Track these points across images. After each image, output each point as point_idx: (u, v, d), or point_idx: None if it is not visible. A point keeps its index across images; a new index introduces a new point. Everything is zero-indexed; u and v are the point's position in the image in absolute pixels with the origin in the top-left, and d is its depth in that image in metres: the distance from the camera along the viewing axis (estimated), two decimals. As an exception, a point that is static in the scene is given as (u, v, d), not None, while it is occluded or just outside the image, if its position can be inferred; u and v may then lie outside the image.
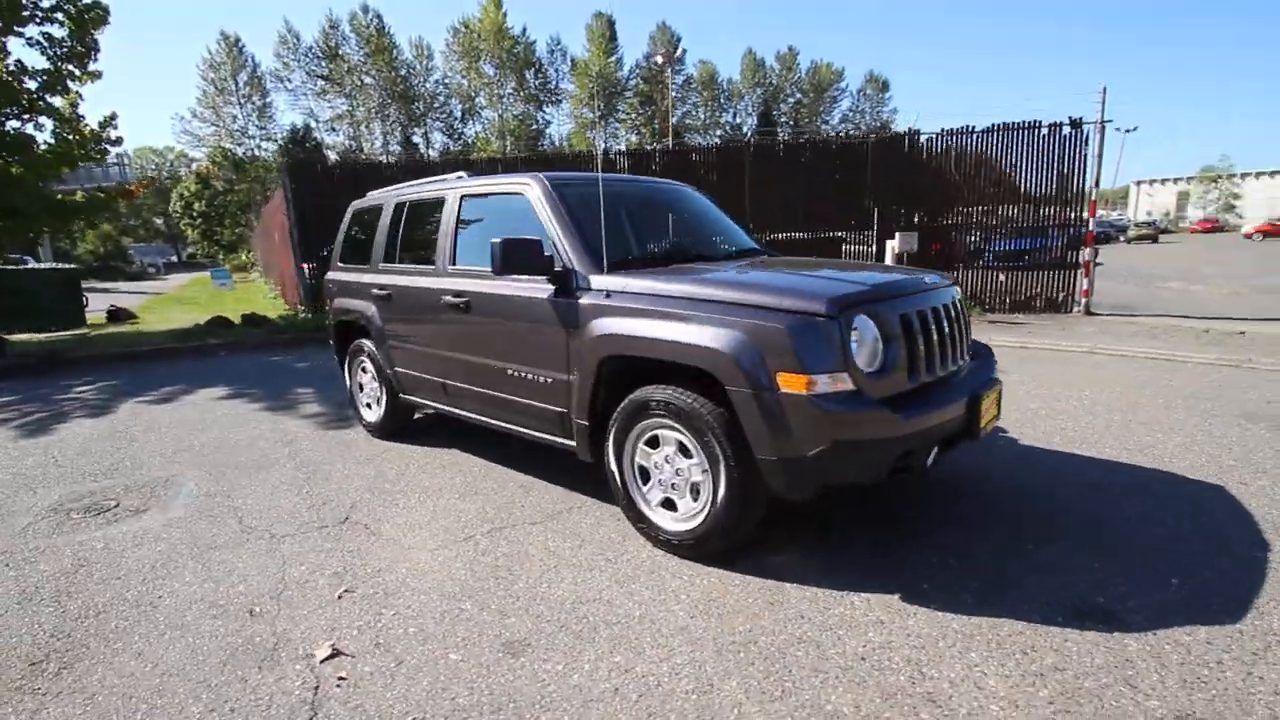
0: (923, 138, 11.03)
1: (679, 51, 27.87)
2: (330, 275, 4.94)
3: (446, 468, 3.96)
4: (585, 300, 2.87)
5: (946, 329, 2.68)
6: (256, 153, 45.12)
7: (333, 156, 42.49)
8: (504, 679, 2.02)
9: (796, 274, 2.91)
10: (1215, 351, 6.49)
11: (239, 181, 41.79)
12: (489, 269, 3.39)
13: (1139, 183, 64.94)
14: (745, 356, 2.31)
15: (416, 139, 49.28)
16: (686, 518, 2.66)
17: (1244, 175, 54.53)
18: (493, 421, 3.58)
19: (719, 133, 57.83)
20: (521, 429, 3.39)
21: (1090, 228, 10.37)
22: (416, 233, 4.08)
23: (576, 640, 2.20)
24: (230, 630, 2.36)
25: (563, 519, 3.17)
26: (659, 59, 28.44)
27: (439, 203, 3.87)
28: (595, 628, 2.27)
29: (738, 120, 59.59)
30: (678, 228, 3.56)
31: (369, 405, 4.71)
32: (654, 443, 2.75)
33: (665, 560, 2.70)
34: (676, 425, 2.59)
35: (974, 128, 10.68)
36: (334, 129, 48.27)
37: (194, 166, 47.27)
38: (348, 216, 4.89)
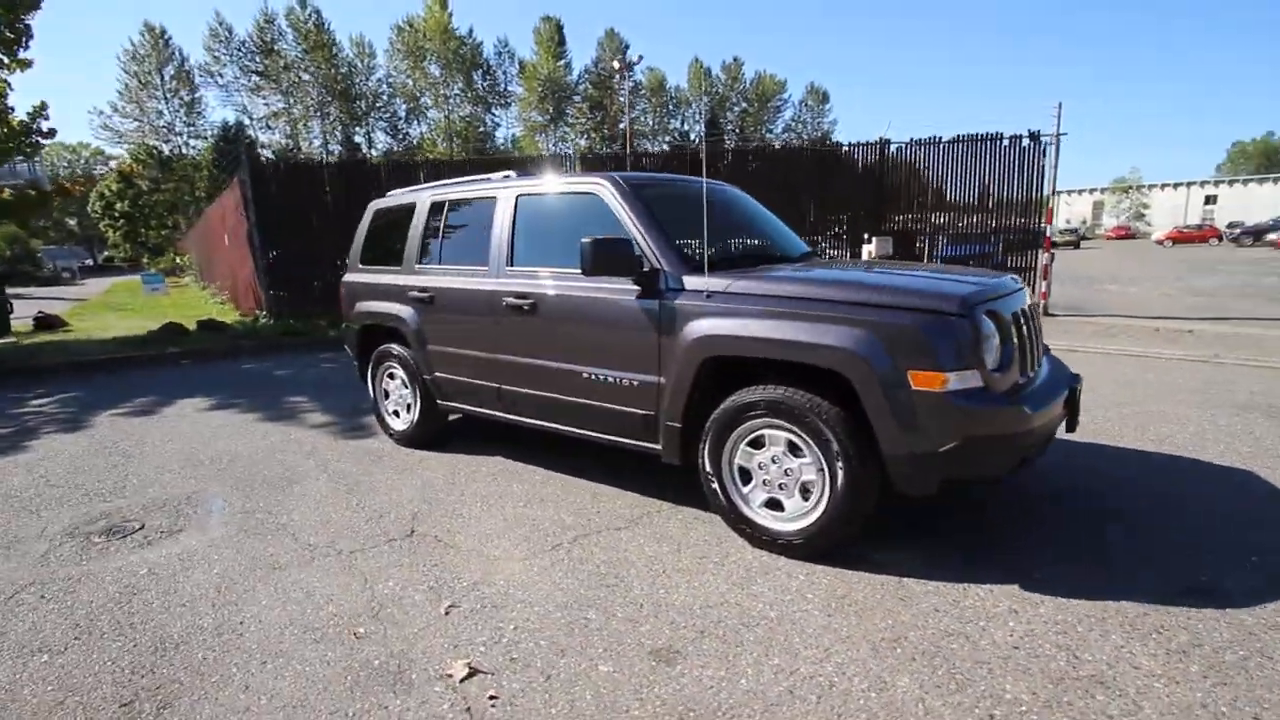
0: (892, 147, 11.47)
1: (639, 59, 28.04)
2: (349, 278, 4.71)
3: (499, 476, 3.83)
4: (682, 301, 2.84)
5: (1035, 327, 2.79)
6: (184, 150, 42.53)
7: (267, 155, 40.48)
8: (670, 688, 1.96)
9: (909, 274, 2.96)
10: (1180, 348, 7.01)
11: (165, 180, 39.26)
12: (559, 269, 3.34)
13: (1058, 192, 69.51)
14: (877, 355, 2.34)
15: (359, 139, 47.61)
16: (795, 517, 2.66)
17: (1151, 186, 59.24)
18: (557, 426, 3.48)
19: (667, 139, 58.50)
20: (594, 433, 3.31)
21: (1048, 233, 11.04)
22: (463, 233, 3.94)
23: (724, 645, 2.16)
24: (340, 655, 2.20)
25: (647, 524, 3.11)
26: (615, 64, 28.42)
27: (489, 202, 3.74)
28: (736, 631, 2.23)
29: (686, 127, 60.47)
30: (743, 228, 3.57)
31: (395, 413, 4.50)
32: (757, 443, 2.74)
33: (772, 560, 2.69)
34: (788, 425, 2.59)
35: (940, 138, 11.19)
36: (270, 127, 46.06)
37: (113, 164, 44.09)
38: (368, 216, 4.67)
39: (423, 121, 50.29)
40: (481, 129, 50.75)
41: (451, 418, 4.38)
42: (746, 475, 2.80)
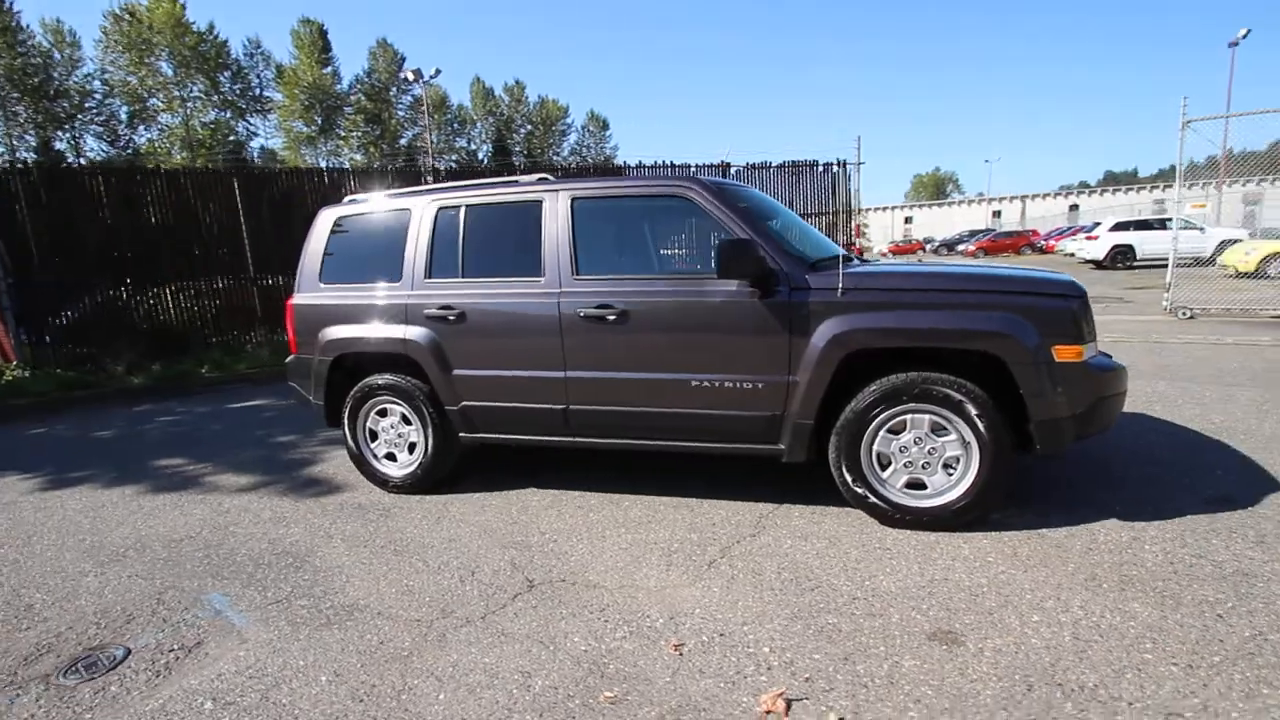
0: (732, 170, 12.61)
1: (436, 72, 26.44)
2: (304, 300, 3.87)
3: (571, 506, 3.45)
4: (814, 300, 2.89)
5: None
6: None
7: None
8: (985, 662, 2.01)
9: (1013, 268, 3.32)
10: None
11: None
12: (652, 275, 3.17)
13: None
14: (1028, 335, 2.65)
15: (60, 144, 38.13)
16: (939, 493, 2.87)
17: (868, 210, 72.75)
18: (647, 442, 3.27)
19: (454, 158, 56.62)
20: (699, 443, 3.19)
21: (856, 243, 13.03)
22: (495, 241, 3.49)
23: (978, 615, 2.26)
24: (616, 726, 1.86)
25: (776, 526, 3.08)
26: (409, 75, 26.65)
27: (529, 207, 3.40)
28: (974, 600, 2.35)
29: (473, 146, 59.18)
30: (799, 231, 3.70)
31: (389, 456, 3.80)
32: (896, 429, 2.90)
33: (930, 538, 2.85)
34: (933, 407, 2.79)
35: (770, 163, 12.60)
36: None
37: None
38: (323, 225, 3.89)
39: (152, 126, 42.02)
40: (232, 137, 44.00)
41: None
42: (884, 461, 2.94)
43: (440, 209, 3.58)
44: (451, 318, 3.44)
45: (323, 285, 3.84)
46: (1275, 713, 1.75)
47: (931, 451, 2.86)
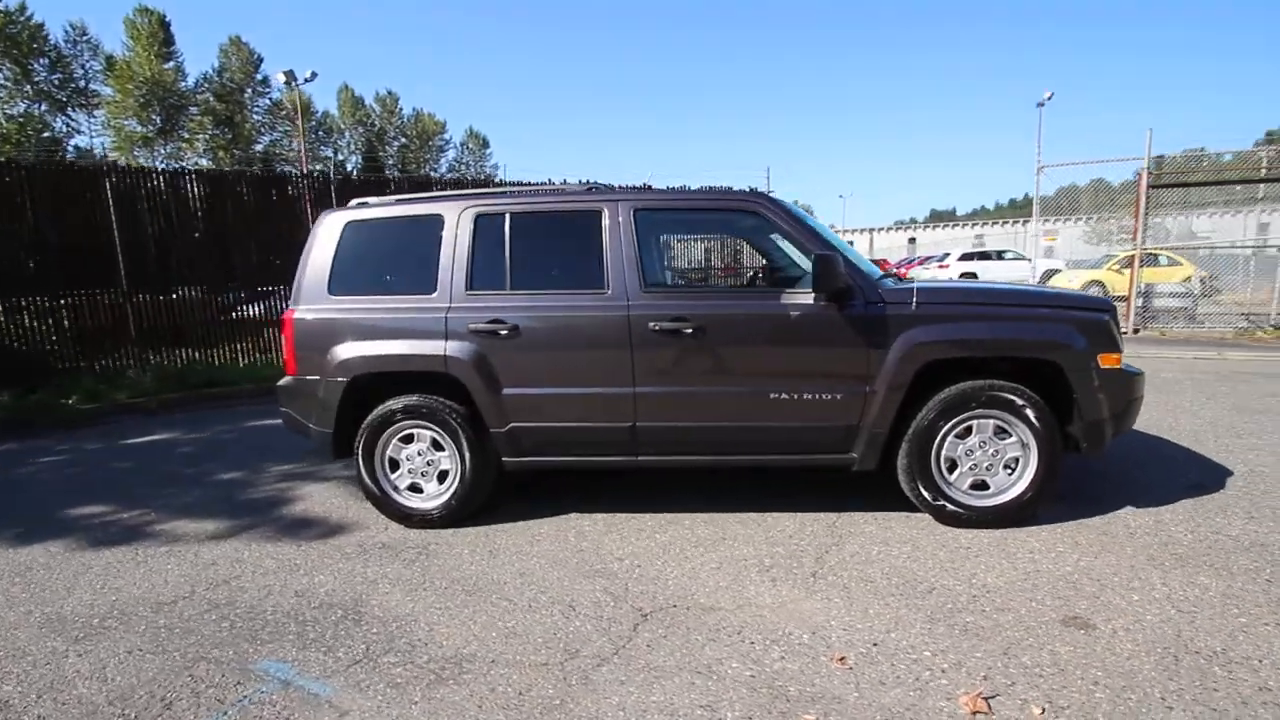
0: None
1: (312, 75, 24.26)
2: (309, 313, 3.41)
3: (629, 529, 3.29)
4: (891, 312, 3.02)
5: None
6: None
7: None
8: (1128, 640, 2.18)
9: (1041, 287, 3.64)
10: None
11: None
12: (728, 288, 3.14)
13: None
14: (1080, 344, 2.95)
15: None
16: (1001, 492, 3.09)
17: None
18: (717, 458, 3.23)
19: (319, 167, 52.76)
20: (772, 455, 3.19)
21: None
22: (547, 252, 3.30)
23: (1092, 600, 2.45)
24: (838, 748, 1.79)
25: (853, 534, 3.13)
26: (281, 76, 24.32)
27: (586, 216, 3.26)
28: (1077, 587, 2.54)
29: (341, 157, 55.48)
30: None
31: (414, 488, 3.42)
32: (962, 434, 3.09)
33: (995, 535, 3.04)
34: (997, 411, 3.02)
35: (689, 187, 13.04)
36: None
37: None
38: (334, 232, 3.46)
39: (-66, 115, 35.06)
40: (47, 133, 37.84)
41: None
42: (951, 464, 3.12)
43: (479, 216, 3.33)
44: (503, 332, 3.19)
45: (333, 297, 3.40)
46: (1370, 658, 2.07)
47: (995, 454, 3.08)
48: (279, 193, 9.41)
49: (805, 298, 3.05)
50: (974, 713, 1.90)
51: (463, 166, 63.57)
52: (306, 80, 24.49)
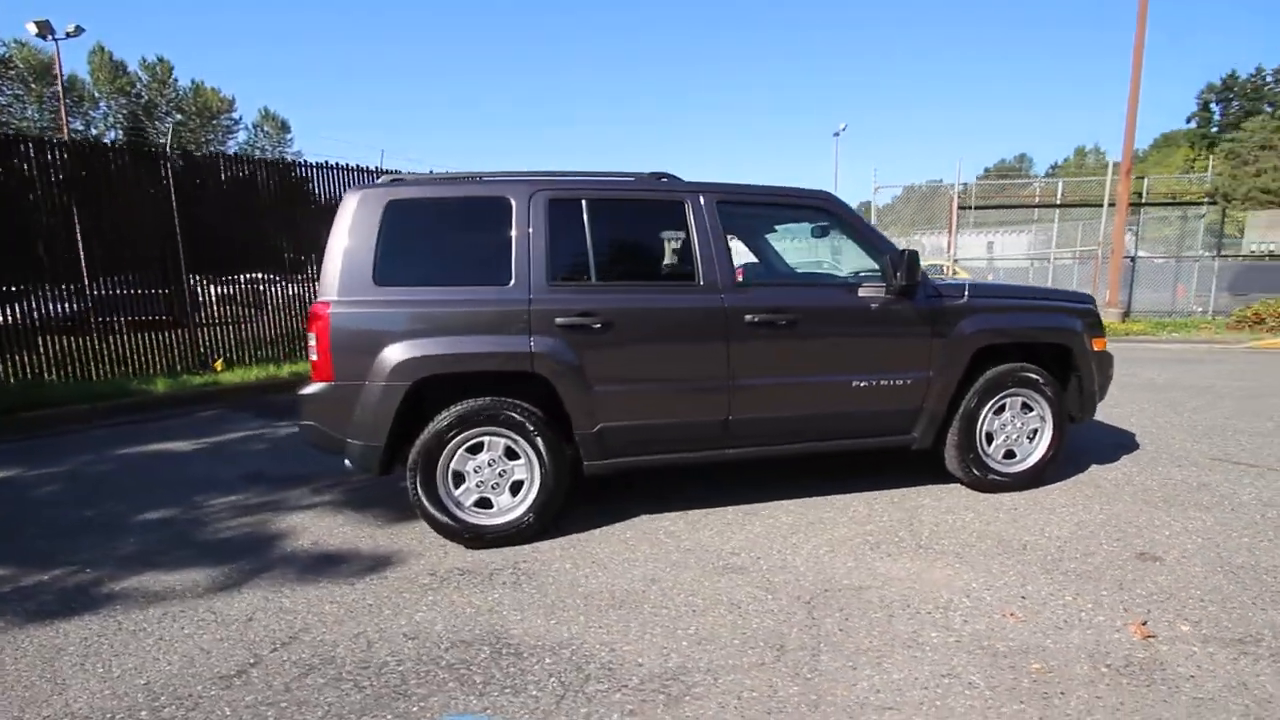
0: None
1: (73, 29, 19.20)
2: (354, 306, 2.88)
3: (716, 523, 3.25)
4: (948, 304, 3.36)
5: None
6: None
7: None
8: (1199, 569, 2.68)
9: (1044, 286, 4.17)
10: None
11: None
12: (816, 280, 3.27)
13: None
14: (1080, 329, 3.54)
15: None
16: (1027, 457, 3.59)
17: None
18: (799, 446, 3.32)
19: (58, 137, 43.11)
20: (847, 440, 3.37)
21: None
22: (635, 241, 3.16)
23: (1147, 536, 2.97)
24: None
25: (925, 507, 3.42)
26: (32, 27, 19.05)
27: (670, 206, 3.18)
28: (1128, 529, 3.05)
29: (95, 131, 45.78)
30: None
31: (481, 503, 3.05)
32: (998, 410, 3.53)
33: (1025, 496, 3.52)
34: (1026, 390, 3.50)
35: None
36: None
37: None
38: (369, 213, 2.96)
39: None
40: None
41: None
42: (989, 438, 3.55)
43: (553, 201, 3.07)
44: (595, 326, 2.98)
45: (382, 288, 2.91)
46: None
47: (1021, 426, 3.57)
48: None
49: (880, 291, 3.28)
50: (1146, 637, 2.24)
51: (258, 149, 56.01)
52: (69, 35, 19.76)
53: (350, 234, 2.93)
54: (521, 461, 3.05)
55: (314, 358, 2.94)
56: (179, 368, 7.89)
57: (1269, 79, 49.94)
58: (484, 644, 2.30)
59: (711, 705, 1.95)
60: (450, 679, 2.11)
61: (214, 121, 53.90)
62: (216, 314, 8.81)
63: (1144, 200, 16.56)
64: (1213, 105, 53.20)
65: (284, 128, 58.78)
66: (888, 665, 2.12)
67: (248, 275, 8.90)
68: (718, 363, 3.13)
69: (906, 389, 3.37)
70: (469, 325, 2.93)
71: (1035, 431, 3.61)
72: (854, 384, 3.29)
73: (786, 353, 3.22)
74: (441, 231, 3.06)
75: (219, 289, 8.90)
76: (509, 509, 3.06)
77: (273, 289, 9.02)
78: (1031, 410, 3.59)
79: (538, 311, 2.96)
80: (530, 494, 3.06)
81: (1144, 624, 2.30)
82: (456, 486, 3.02)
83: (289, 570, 2.92)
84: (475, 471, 3.03)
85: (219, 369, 8.03)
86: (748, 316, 3.12)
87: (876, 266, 3.36)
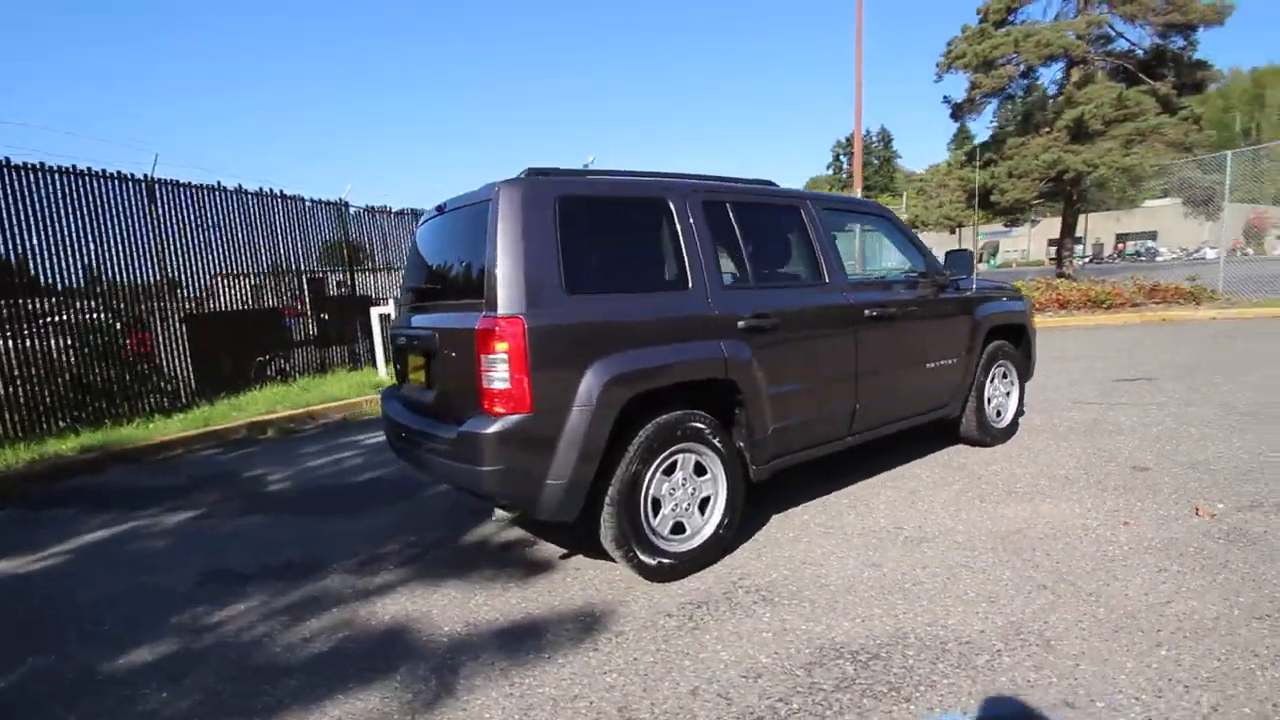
0: (351, 210, 10.97)
1: None
2: (552, 318, 2.42)
3: (822, 520, 3.41)
4: (971, 294, 4.08)
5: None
6: None
7: None
8: (1182, 472, 3.73)
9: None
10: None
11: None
12: (889, 277, 3.70)
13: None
14: (1027, 312, 4.59)
15: None
16: (1001, 419, 4.50)
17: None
18: (883, 429, 3.68)
19: None
20: (908, 419, 3.83)
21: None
22: (772, 243, 3.22)
23: (1126, 457, 3.98)
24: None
25: (959, 469, 4.03)
26: None
27: (790, 209, 3.35)
28: (1115, 457, 4.05)
29: None
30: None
31: (678, 528, 2.78)
32: (993, 379, 4.38)
33: (1009, 446, 4.41)
34: (1007, 363, 4.42)
35: (390, 208, 11.59)
36: None
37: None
38: (541, 211, 2.52)
39: None
40: None
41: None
42: (988, 402, 4.38)
43: (707, 204, 2.98)
44: (769, 327, 2.97)
45: (576, 297, 2.48)
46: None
47: (1002, 390, 4.49)
48: None
49: (931, 285, 3.86)
50: (1210, 516, 3.10)
51: None
52: None
53: (525, 235, 2.46)
54: (708, 476, 2.87)
55: (494, 386, 2.38)
56: None
57: (874, 140, 68.24)
58: (836, 658, 2.17)
59: (1073, 644, 2.18)
60: (858, 699, 1.97)
61: None
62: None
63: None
64: (842, 157, 70.02)
65: None
66: (1124, 573, 2.59)
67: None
68: (850, 356, 3.36)
69: (956, 367, 4.01)
70: (664, 334, 2.69)
71: (1008, 394, 4.58)
72: (928, 365, 3.82)
73: (892, 342, 3.60)
74: (611, 233, 2.74)
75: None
76: (699, 530, 2.86)
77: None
78: (1008, 377, 4.55)
79: (719, 315, 2.84)
80: (717, 509, 2.89)
81: (1199, 508, 3.17)
82: (655, 514, 2.71)
83: (491, 668, 2.29)
84: (670, 494, 2.76)
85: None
86: (866, 311, 3.42)
87: (909, 262, 3.96)
